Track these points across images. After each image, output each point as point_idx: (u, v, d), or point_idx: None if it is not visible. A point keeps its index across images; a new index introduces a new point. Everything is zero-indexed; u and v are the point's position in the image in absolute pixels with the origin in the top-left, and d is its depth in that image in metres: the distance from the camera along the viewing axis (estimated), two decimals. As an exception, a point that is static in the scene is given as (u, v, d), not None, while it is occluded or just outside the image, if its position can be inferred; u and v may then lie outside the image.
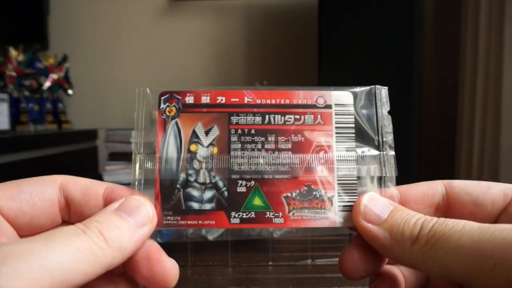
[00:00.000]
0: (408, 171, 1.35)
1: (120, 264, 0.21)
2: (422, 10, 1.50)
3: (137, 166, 0.24)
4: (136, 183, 0.24)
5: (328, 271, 0.42)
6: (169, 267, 0.21)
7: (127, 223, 0.21)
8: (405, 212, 0.21)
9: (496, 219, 0.22)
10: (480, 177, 1.39)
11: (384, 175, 0.24)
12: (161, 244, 0.42)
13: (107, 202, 0.23)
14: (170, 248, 0.43)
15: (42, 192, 0.22)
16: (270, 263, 0.44)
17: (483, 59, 1.37)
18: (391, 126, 0.25)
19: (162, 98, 0.24)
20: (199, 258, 0.44)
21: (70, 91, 1.80)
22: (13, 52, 1.60)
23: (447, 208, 0.24)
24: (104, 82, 1.93)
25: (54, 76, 1.72)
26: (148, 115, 0.25)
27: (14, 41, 1.73)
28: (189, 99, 0.24)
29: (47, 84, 1.70)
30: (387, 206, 0.22)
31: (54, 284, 0.16)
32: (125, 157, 0.94)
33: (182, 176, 0.23)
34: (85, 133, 1.79)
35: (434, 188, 0.24)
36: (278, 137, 0.24)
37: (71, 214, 0.23)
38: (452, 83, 1.59)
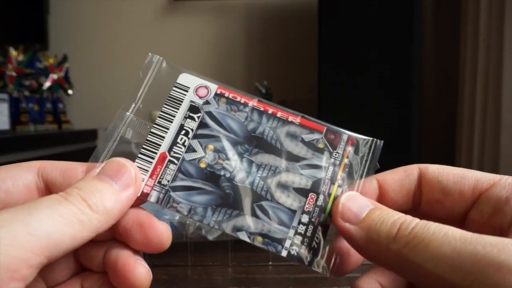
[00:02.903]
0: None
1: (108, 230, 0.21)
2: (422, 10, 1.50)
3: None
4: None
5: (328, 271, 0.42)
6: (162, 231, 0.21)
7: (110, 186, 0.20)
8: (384, 211, 0.20)
9: (465, 212, 0.22)
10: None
11: None
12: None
13: None
14: (170, 248, 0.43)
15: (17, 178, 0.21)
16: (270, 263, 0.44)
17: (483, 59, 1.37)
18: None
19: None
20: (199, 258, 0.44)
21: (70, 91, 1.80)
22: (13, 52, 1.61)
23: (420, 193, 0.23)
24: (104, 82, 1.93)
25: (54, 76, 1.72)
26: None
27: (14, 41, 1.73)
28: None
29: (47, 84, 1.70)
30: (367, 205, 0.21)
31: (41, 249, 0.17)
32: (126, 157, 0.94)
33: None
34: (85, 133, 1.79)
35: (411, 174, 0.23)
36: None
37: None
38: (452, 83, 1.59)
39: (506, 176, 0.21)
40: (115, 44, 1.92)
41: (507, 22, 1.30)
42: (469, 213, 0.22)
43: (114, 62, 1.92)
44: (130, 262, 0.21)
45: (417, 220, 0.19)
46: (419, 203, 0.23)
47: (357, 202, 0.22)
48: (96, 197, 0.19)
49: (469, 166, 1.43)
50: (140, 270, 0.21)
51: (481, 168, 1.40)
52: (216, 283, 0.39)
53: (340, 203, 0.22)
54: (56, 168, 0.22)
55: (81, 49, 1.93)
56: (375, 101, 1.35)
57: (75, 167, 0.23)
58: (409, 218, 0.19)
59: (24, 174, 0.22)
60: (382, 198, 0.23)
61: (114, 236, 0.22)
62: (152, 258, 0.42)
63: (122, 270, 0.21)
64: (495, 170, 1.36)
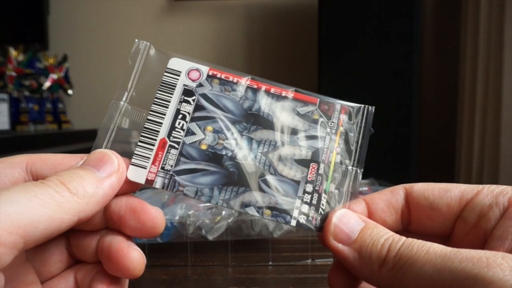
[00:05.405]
0: (408, 171, 1.35)
1: (100, 220, 0.22)
2: (422, 10, 1.50)
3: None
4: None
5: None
6: (155, 214, 0.22)
7: (92, 174, 0.20)
8: (375, 230, 0.21)
9: (454, 222, 0.22)
10: (480, 177, 1.39)
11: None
12: (161, 244, 0.41)
13: None
14: (170, 248, 0.43)
15: (1, 176, 0.21)
16: (270, 263, 0.44)
17: (483, 59, 1.37)
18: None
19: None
20: (199, 258, 0.44)
21: (70, 91, 1.80)
22: (13, 52, 1.61)
23: (409, 212, 0.24)
24: (104, 82, 1.93)
25: (54, 76, 1.72)
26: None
27: (14, 41, 1.73)
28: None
29: (47, 84, 1.70)
30: (358, 223, 0.22)
31: (15, 228, 0.16)
32: (126, 157, 0.94)
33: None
34: (85, 133, 1.79)
35: (397, 194, 0.24)
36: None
37: None
38: (452, 83, 1.59)
39: (489, 185, 0.22)
40: (115, 44, 1.92)
41: (507, 22, 1.30)
42: (456, 222, 0.22)
43: (114, 62, 1.92)
44: (124, 247, 0.21)
45: (403, 239, 0.20)
46: (409, 223, 0.24)
47: (349, 221, 0.22)
48: (77, 182, 0.19)
49: (469, 166, 1.43)
50: (134, 254, 0.21)
51: (481, 168, 1.40)
52: (216, 283, 0.39)
53: (332, 224, 0.22)
54: (46, 164, 0.22)
55: (81, 49, 1.93)
56: (375, 101, 1.35)
57: (67, 161, 0.23)
58: (396, 237, 0.20)
59: (9, 171, 0.21)
60: (371, 218, 0.23)
61: (108, 224, 0.23)
62: (152, 258, 0.43)
63: (116, 256, 0.21)
64: (495, 170, 1.36)
